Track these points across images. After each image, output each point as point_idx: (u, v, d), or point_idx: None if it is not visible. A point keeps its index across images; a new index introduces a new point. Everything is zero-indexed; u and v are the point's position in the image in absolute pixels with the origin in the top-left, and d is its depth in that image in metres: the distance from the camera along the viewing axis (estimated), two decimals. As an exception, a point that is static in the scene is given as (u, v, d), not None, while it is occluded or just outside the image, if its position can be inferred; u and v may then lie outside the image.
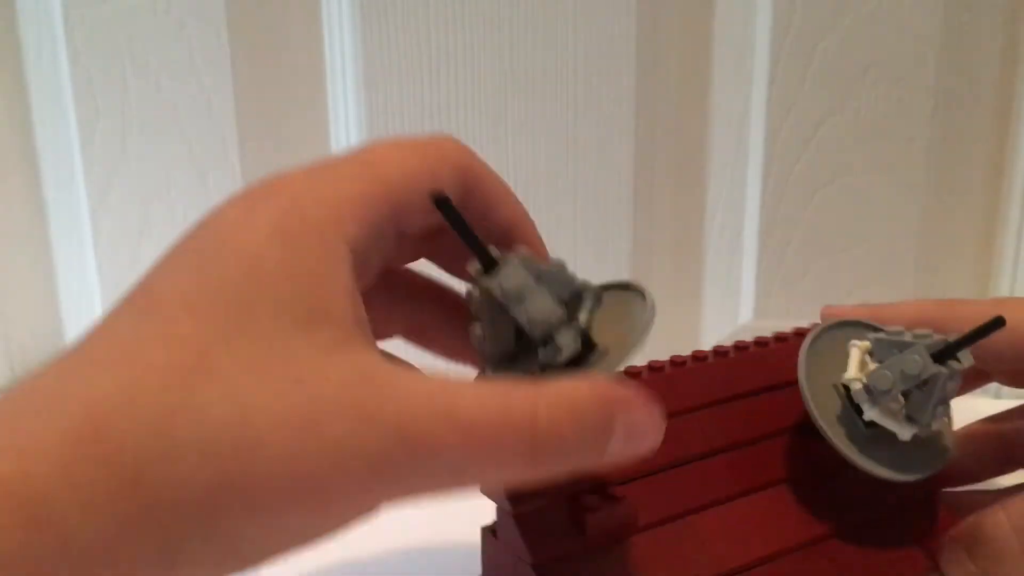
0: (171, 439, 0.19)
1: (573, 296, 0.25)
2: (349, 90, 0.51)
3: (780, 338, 0.36)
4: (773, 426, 0.33)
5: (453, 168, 0.25)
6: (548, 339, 0.24)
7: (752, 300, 0.53)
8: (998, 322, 0.30)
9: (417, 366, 0.23)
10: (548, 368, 0.24)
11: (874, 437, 0.31)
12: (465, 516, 0.30)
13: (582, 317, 0.25)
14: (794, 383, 0.32)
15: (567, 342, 0.24)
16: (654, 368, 0.31)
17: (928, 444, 0.32)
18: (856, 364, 0.32)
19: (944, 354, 0.30)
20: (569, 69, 0.50)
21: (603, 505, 0.27)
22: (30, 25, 0.50)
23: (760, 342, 0.35)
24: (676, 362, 0.32)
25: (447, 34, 0.49)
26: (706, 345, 0.55)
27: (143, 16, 0.49)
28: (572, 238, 0.52)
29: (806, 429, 0.32)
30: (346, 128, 0.52)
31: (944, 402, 0.32)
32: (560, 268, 0.25)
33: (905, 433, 0.31)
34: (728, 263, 0.54)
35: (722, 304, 0.54)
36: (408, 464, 0.20)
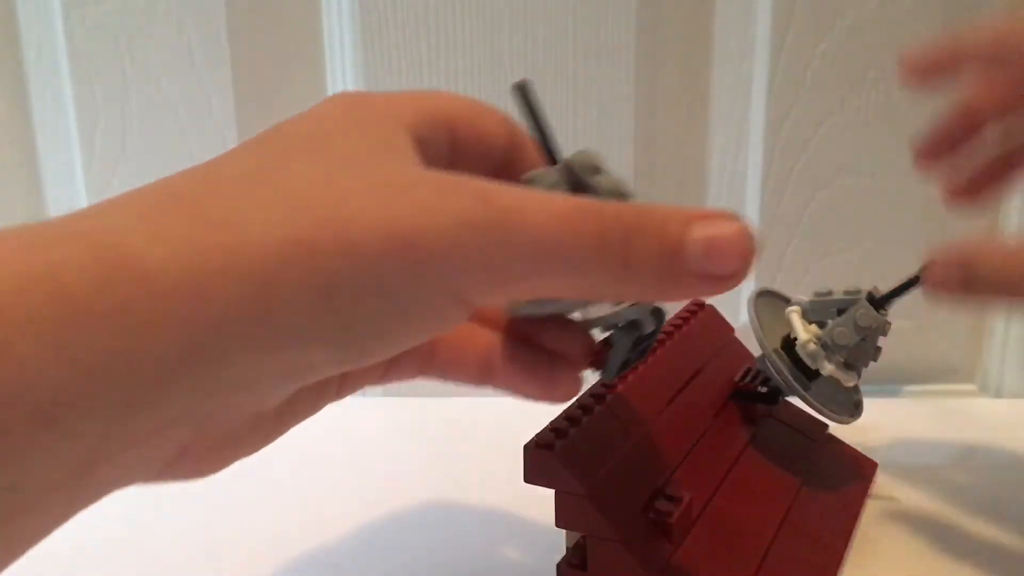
0: (257, 199, 0.20)
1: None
2: (349, 89, 0.51)
3: (681, 320, 0.39)
4: (711, 411, 0.37)
5: (507, 126, 0.26)
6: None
7: (752, 300, 0.53)
8: (915, 280, 0.35)
9: None
10: None
11: (818, 389, 0.36)
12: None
13: None
14: (708, 360, 0.38)
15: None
16: (608, 385, 0.33)
17: (844, 389, 0.38)
18: (801, 327, 0.36)
19: (878, 306, 0.36)
20: (569, 69, 0.50)
21: (675, 507, 0.29)
22: (30, 25, 0.50)
23: (667, 331, 0.38)
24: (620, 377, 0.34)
25: (447, 35, 0.50)
26: (706, 345, 0.55)
27: (143, 16, 0.49)
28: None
29: (741, 397, 0.38)
30: (346, 128, 0.52)
31: (878, 350, 0.37)
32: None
33: (851, 381, 0.36)
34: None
35: (722, 304, 0.54)
36: (493, 227, 0.20)
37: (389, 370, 0.28)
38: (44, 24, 0.50)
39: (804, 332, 0.36)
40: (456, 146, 0.25)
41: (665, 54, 0.51)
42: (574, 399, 0.31)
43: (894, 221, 0.52)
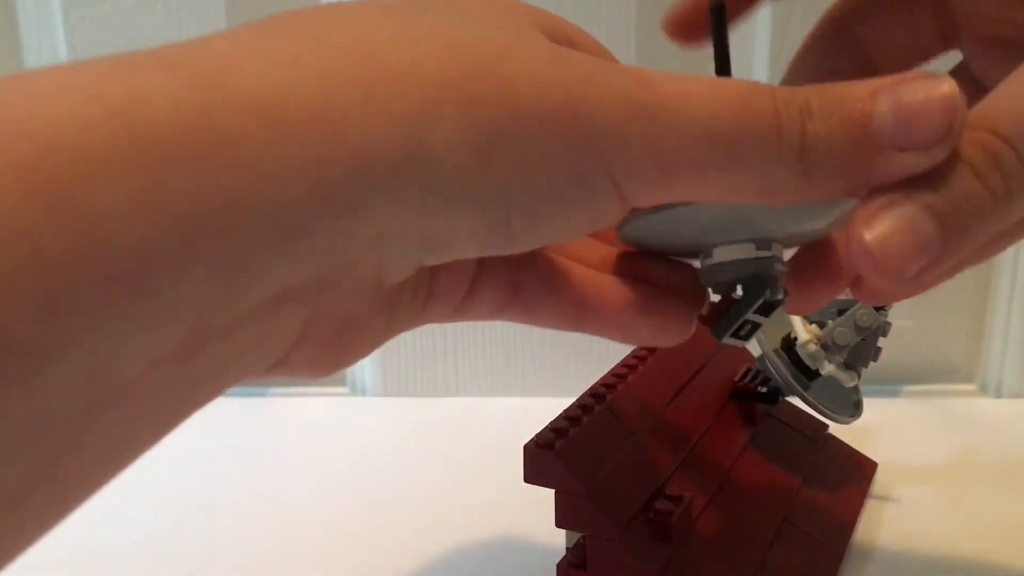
0: (402, 33, 0.17)
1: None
2: None
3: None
4: (709, 412, 0.37)
5: (599, 47, 0.26)
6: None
7: (752, 300, 0.53)
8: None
9: None
10: None
11: (818, 389, 0.37)
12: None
13: None
14: (708, 360, 0.38)
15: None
16: (608, 384, 0.33)
17: (844, 389, 0.38)
18: (801, 328, 0.36)
19: (878, 306, 0.36)
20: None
21: (674, 508, 0.29)
22: (30, 25, 0.50)
23: (650, 348, 0.37)
24: (619, 375, 0.34)
25: (447, 34, 0.49)
26: (706, 345, 0.55)
27: (143, 16, 0.49)
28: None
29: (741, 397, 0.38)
30: (346, 128, 0.52)
31: (878, 350, 0.37)
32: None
33: (851, 381, 0.36)
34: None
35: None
36: (660, 111, 0.18)
37: (467, 302, 0.24)
38: (44, 24, 0.50)
39: (804, 332, 0.36)
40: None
41: (665, 55, 0.51)
42: (575, 400, 0.31)
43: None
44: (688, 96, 0.18)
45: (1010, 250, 0.51)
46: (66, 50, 0.50)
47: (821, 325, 0.36)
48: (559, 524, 0.29)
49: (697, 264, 0.24)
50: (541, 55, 0.18)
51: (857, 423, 0.38)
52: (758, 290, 0.23)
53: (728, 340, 0.24)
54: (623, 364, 0.35)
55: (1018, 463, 0.44)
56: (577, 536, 0.30)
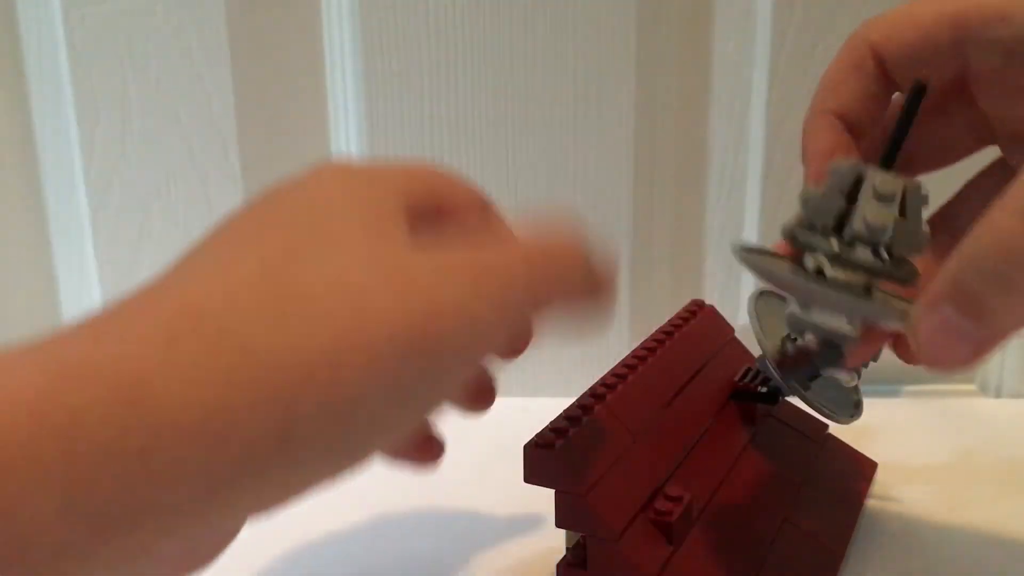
0: (277, 311, 0.19)
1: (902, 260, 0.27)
2: (349, 90, 0.51)
3: (681, 320, 0.39)
4: (710, 411, 0.37)
5: (480, 201, 0.28)
6: (856, 243, 0.26)
7: (752, 300, 0.53)
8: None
9: None
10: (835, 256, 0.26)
11: (817, 390, 0.34)
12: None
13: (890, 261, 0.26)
14: (707, 360, 0.37)
15: (863, 255, 0.25)
16: (609, 384, 0.33)
17: (844, 389, 0.37)
18: None
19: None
20: (569, 70, 0.50)
21: (675, 507, 0.30)
22: (30, 25, 0.50)
23: (666, 330, 0.38)
24: (618, 374, 0.34)
25: (447, 34, 0.50)
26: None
27: (143, 16, 0.49)
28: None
29: (741, 396, 0.38)
30: (346, 128, 0.52)
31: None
32: (923, 231, 0.26)
33: (851, 381, 0.34)
34: (728, 264, 0.54)
35: (723, 305, 0.54)
36: (495, 305, 0.22)
37: None
38: (44, 24, 0.50)
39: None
40: (439, 218, 0.26)
41: (665, 54, 0.51)
42: (575, 400, 0.31)
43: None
44: (507, 273, 0.23)
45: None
46: (66, 50, 0.50)
47: None
48: (559, 524, 0.29)
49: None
50: (391, 285, 0.21)
51: (857, 423, 0.38)
52: (833, 356, 0.27)
53: (792, 385, 0.28)
54: (623, 364, 0.35)
55: (1018, 463, 0.44)
56: (577, 536, 0.30)
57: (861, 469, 0.41)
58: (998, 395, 0.53)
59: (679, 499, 0.30)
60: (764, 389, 0.38)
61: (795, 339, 0.35)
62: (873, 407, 0.41)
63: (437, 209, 0.26)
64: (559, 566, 0.30)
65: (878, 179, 0.25)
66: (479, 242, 0.24)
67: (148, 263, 0.52)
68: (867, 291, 0.25)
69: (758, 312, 0.36)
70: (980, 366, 0.47)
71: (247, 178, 0.51)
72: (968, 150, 0.32)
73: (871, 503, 0.40)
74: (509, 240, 0.25)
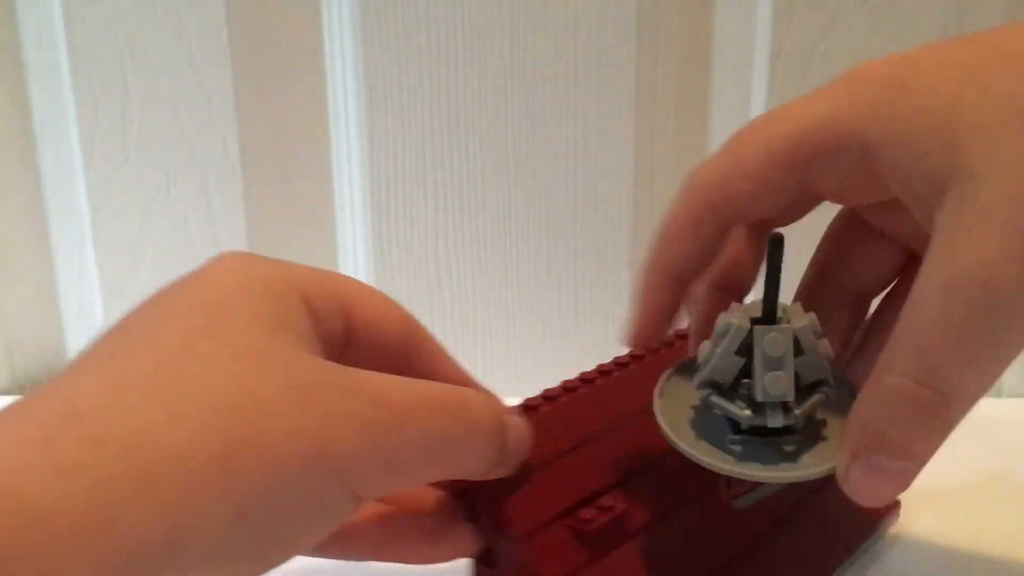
0: (168, 412, 0.19)
1: (814, 383, 0.27)
2: (349, 90, 0.51)
3: (660, 345, 0.35)
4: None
5: (404, 321, 0.28)
6: (762, 406, 0.26)
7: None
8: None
9: None
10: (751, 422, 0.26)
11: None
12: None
13: (800, 409, 0.26)
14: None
15: (775, 421, 0.26)
16: (549, 398, 0.31)
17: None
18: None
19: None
20: (569, 68, 0.50)
21: (599, 516, 0.28)
22: (30, 25, 0.50)
23: (636, 355, 0.35)
24: (586, 379, 0.33)
25: (447, 33, 0.50)
26: (706, 345, 0.55)
27: (143, 16, 0.49)
28: (572, 240, 0.52)
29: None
30: (346, 128, 0.52)
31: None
32: (823, 356, 0.26)
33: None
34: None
35: (722, 304, 0.54)
36: (391, 429, 0.22)
37: None
38: (44, 24, 0.50)
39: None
40: (352, 330, 0.26)
41: (665, 54, 0.51)
42: (522, 400, 0.30)
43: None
44: (414, 411, 0.23)
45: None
46: (66, 50, 0.50)
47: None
48: (470, 519, 0.28)
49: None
50: (290, 397, 0.21)
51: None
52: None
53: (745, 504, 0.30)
54: (597, 369, 0.33)
55: (1018, 463, 0.44)
56: None
57: (871, 511, 0.35)
58: (998, 395, 0.53)
59: (609, 510, 0.29)
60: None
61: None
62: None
63: (346, 316, 0.26)
64: (473, 562, 0.29)
65: (765, 342, 0.26)
66: (388, 375, 0.23)
67: (148, 263, 0.52)
68: (786, 448, 0.27)
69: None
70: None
71: (247, 178, 0.51)
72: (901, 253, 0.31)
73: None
74: (419, 385, 0.24)
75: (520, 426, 0.27)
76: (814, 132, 0.25)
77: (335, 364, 0.23)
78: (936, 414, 0.22)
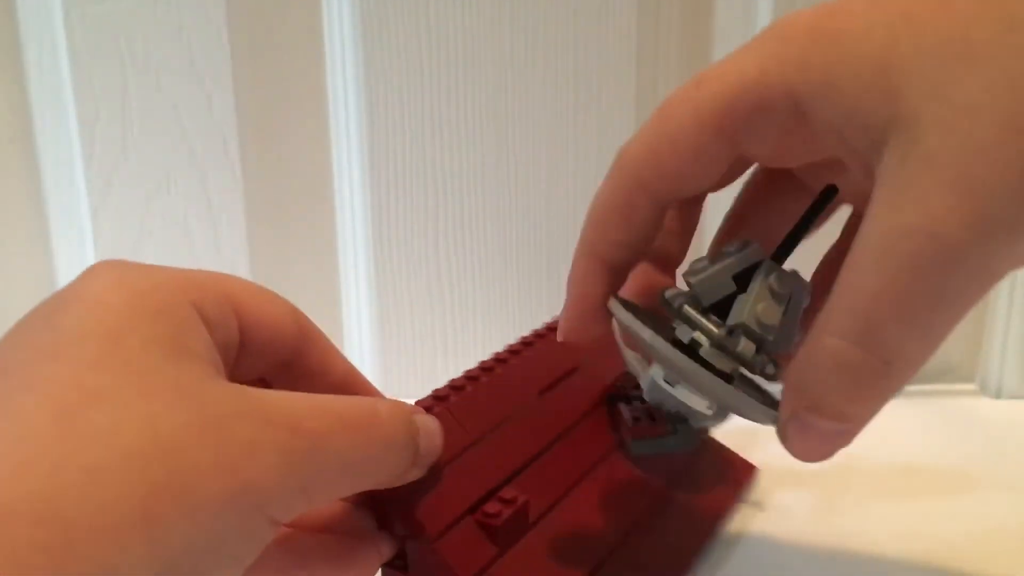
0: (81, 467, 0.18)
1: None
2: (349, 90, 0.51)
3: (539, 335, 0.37)
4: (577, 413, 0.36)
5: (294, 315, 0.27)
6: (740, 333, 0.25)
7: (752, 300, 0.53)
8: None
9: None
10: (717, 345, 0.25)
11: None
12: None
13: (767, 358, 0.25)
14: (582, 363, 0.36)
15: (746, 348, 0.24)
16: (456, 386, 0.32)
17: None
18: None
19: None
20: (569, 68, 0.50)
21: (504, 509, 0.29)
22: (30, 25, 0.50)
23: (527, 341, 0.36)
24: (471, 376, 0.33)
25: (447, 33, 0.50)
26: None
27: (143, 16, 0.49)
28: (572, 240, 0.52)
29: (615, 398, 0.37)
30: (346, 128, 0.52)
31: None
32: (796, 328, 0.25)
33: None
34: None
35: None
36: (308, 457, 0.22)
37: None
38: (44, 24, 0.50)
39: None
40: (244, 329, 0.25)
41: (665, 54, 0.51)
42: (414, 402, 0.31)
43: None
44: (330, 435, 0.23)
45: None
46: (66, 50, 0.50)
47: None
48: (381, 525, 0.28)
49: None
50: (205, 432, 0.20)
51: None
52: (689, 437, 0.27)
53: (641, 452, 0.28)
54: (480, 366, 0.34)
55: (1018, 464, 0.44)
56: None
57: (735, 474, 0.40)
58: (998, 395, 0.53)
59: (512, 502, 0.29)
60: (638, 393, 0.36)
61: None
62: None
63: (237, 317, 0.25)
64: (383, 568, 0.29)
65: (775, 276, 0.25)
66: (297, 395, 0.23)
67: (148, 263, 0.52)
68: (735, 380, 0.25)
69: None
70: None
71: (247, 178, 0.51)
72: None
73: (875, 505, 0.40)
74: (331, 405, 0.23)
75: (430, 427, 0.27)
76: (743, 93, 0.23)
77: (244, 389, 0.22)
78: (875, 379, 0.21)
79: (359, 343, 0.54)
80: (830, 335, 0.21)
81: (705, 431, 0.39)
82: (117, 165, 0.51)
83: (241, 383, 0.23)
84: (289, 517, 0.22)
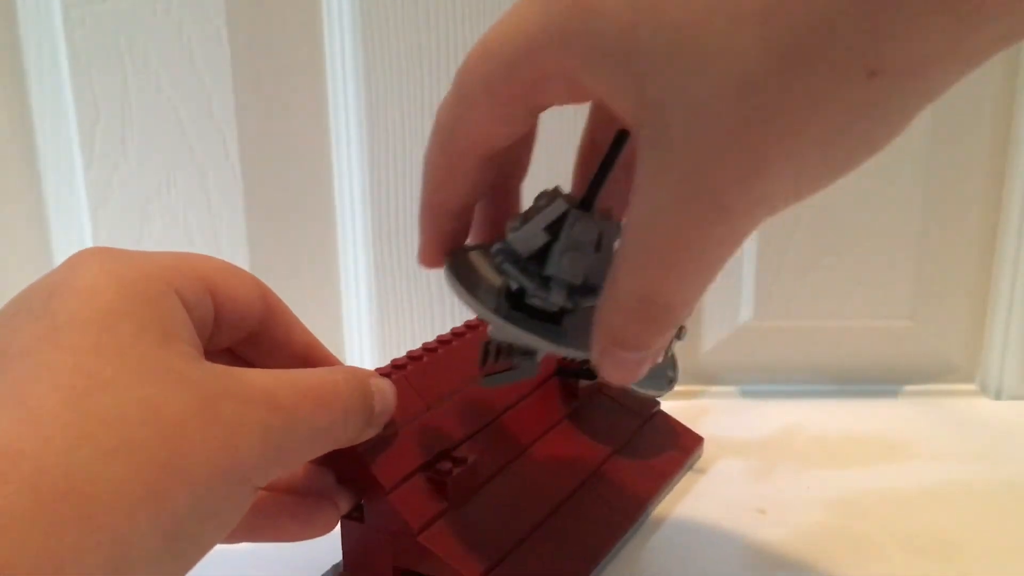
0: (96, 448, 0.20)
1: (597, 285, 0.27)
2: (349, 89, 0.51)
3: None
4: (530, 384, 0.39)
5: (260, 290, 0.29)
6: (548, 283, 0.27)
7: (752, 300, 0.53)
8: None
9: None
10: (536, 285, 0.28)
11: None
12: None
13: (581, 300, 0.28)
14: None
15: (558, 298, 0.27)
16: (414, 357, 0.35)
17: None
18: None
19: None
20: (569, 69, 0.50)
21: (454, 467, 0.32)
22: (30, 25, 0.50)
23: (472, 325, 0.39)
24: (429, 348, 0.36)
25: (447, 33, 0.50)
26: (709, 345, 0.55)
27: (143, 16, 0.49)
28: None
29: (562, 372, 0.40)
30: (346, 127, 0.52)
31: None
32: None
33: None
34: (728, 264, 0.54)
35: (722, 304, 0.54)
36: (284, 431, 0.25)
37: None
38: (44, 24, 0.50)
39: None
40: (217, 307, 0.27)
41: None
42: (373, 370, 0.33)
43: (894, 220, 0.52)
44: (301, 409, 0.25)
45: (1010, 252, 0.51)
46: (66, 50, 0.50)
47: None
48: (339, 480, 0.31)
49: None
50: (201, 415, 0.23)
51: (853, 423, 0.38)
52: (531, 368, 0.29)
53: (492, 384, 0.30)
54: (438, 339, 0.37)
55: (1016, 465, 0.44)
56: None
57: (682, 442, 0.43)
58: (998, 394, 0.53)
59: (463, 461, 0.32)
60: (585, 366, 0.39)
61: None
62: (871, 407, 0.41)
63: (212, 297, 0.27)
64: (343, 519, 0.32)
65: (577, 227, 0.27)
66: (270, 371, 0.26)
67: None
68: (560, 319, 0.28)
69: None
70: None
71: (247, 177, 0.51)
72: None
73: (877, 506, 0.40)
74: (300, 381, 0.26)
75: (384, 388, 0.30)
76: (520, 64, 0.24)
77: (226, 370, 0.24)
78: (660, 318, 0.25)
79: (359, 342, 0.54)
80: (622, 288, 0.25)
81: (656, 402, 0.43)
82: (117, 165, 0.51)
83: (213, 355, 0.27)
84: (266, 483, 0.25)
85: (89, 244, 0.53)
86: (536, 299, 0.27)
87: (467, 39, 0.50)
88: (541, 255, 0.27)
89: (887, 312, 0.53)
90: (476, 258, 0.29)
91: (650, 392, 0.39)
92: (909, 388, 0.54)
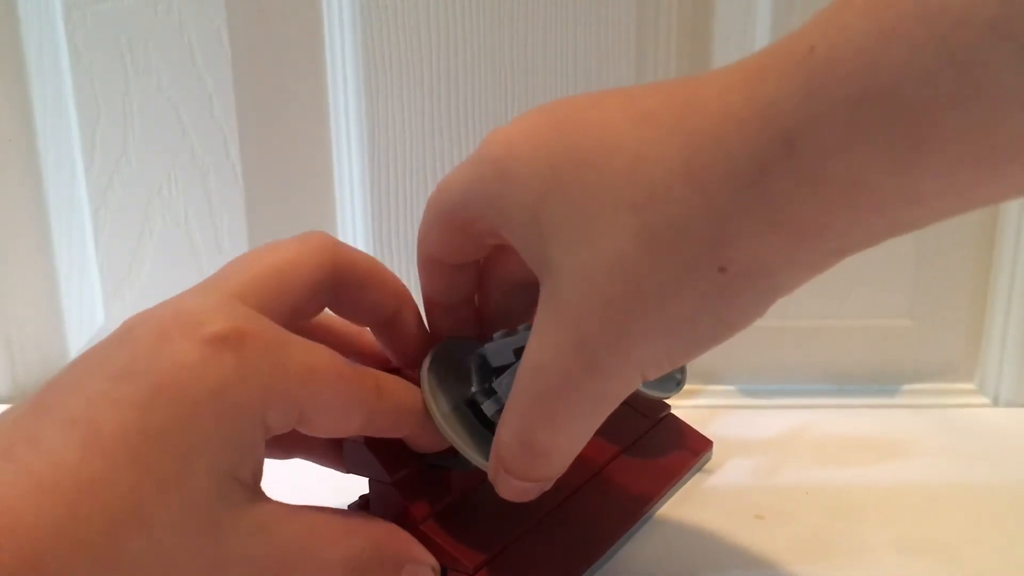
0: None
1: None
2: (349, 90, 0.51)
3: None
4: None
5: (398, 291, 0.32)
6: (485, 398, 0.31)
7: (752, 300, 0.53)
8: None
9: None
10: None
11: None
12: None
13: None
14: None
15: (488, 410, 0.30)
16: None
17: None
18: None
19: None
20: (569, 68, 0.50)
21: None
22: (30, 25, 0.50)
23: None
24: None
25: (447, 33, 0.50)
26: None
27: (143, 16, 0.49)
28: (572, 238, 0.52)
29: None
30: (347, 127, 0.52)
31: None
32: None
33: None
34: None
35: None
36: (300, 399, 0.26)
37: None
38: (44, 24, 0.50)
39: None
40: (341, 292, 0.30)
41: (664, 54, 0.51)
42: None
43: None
44: (314, 376, 0.26)
45: (1008, 255, 0.51)
46: (66, 50, 0.50)
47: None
48: (347, 470, 0.32)
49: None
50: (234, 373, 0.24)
51: (850, 423, 0.38)
52: (465, 463, 0.31)
53: (435, 467, 0.32)
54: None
55: (1015, 471, 0.44)
56: None
57: (691, 445, 0.43)
58: (997, 394, 0.53)
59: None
60: None
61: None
62: (870, 408, 0.41)
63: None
64: (349, 507, 0.33)
65: (490, 353, 0.31)
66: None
67: (148, 263, 0.52)
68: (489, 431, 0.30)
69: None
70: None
71: (247, 178, 0.51)
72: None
73: (875, 504, 0.40)
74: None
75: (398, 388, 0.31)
76: (456, 211, 0.28)
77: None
78: (539, 460, 0.27)
79: (359, 343, 0.54)
80: (507, 428, 0.27)
81: (666, 405, 0.44)
82: (117, 165, 0.51)
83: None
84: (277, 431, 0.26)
85: (90, 244, 0.53)
86: (480, 404, 0.31)
87: (467, 39, 0.50)
88: (503, 370, 0.30)
89: (886, 312, 0.53)
90: (455, 355, 0.32)
91: (658, 394, 0.40)
92: (908, 388, 0.54)
